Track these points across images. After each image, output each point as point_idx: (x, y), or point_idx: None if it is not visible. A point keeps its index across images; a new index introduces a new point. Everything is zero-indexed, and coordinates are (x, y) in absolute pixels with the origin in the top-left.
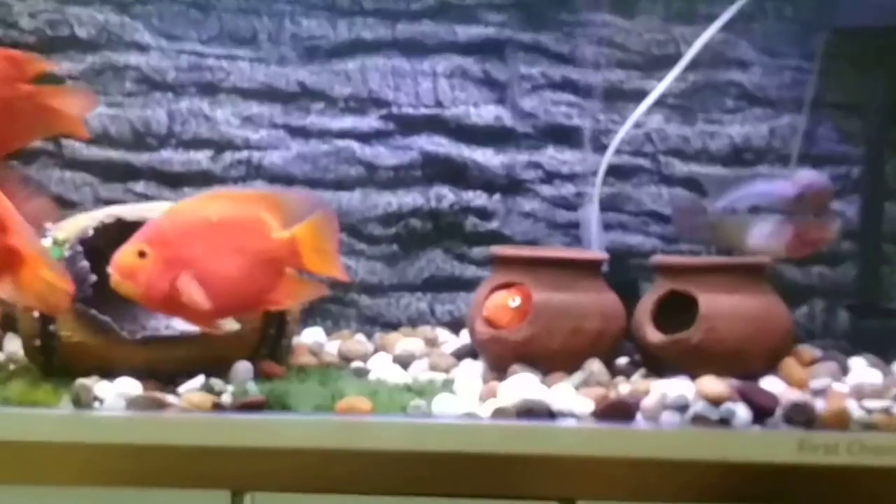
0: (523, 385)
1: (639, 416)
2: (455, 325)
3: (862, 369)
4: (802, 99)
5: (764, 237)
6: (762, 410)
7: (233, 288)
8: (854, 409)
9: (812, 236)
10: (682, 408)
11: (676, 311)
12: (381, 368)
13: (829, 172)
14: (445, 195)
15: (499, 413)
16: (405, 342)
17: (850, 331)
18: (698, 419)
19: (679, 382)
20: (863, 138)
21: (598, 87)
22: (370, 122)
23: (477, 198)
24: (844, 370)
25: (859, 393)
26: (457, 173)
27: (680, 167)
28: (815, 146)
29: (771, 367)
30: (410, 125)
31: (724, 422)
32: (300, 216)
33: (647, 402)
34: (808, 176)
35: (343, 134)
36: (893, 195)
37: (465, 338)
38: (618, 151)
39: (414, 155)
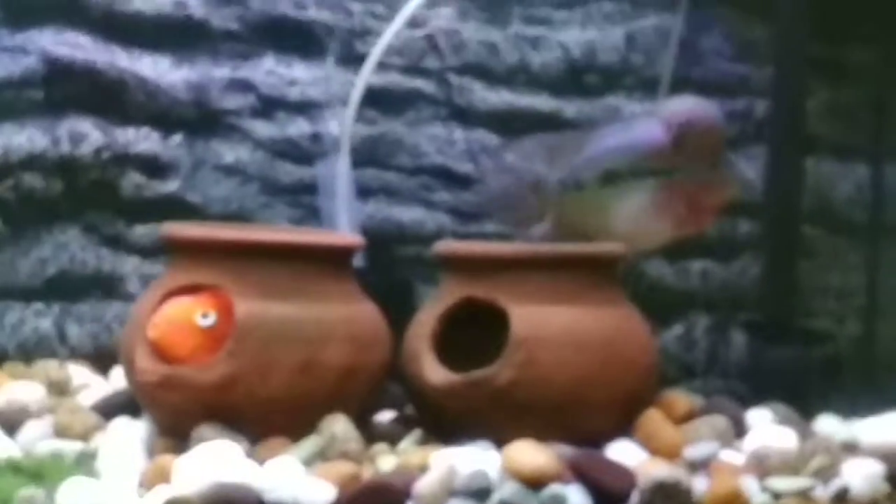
0: (216, 460)
1: None
2: (102, 359)
3: (766, 428)
4: None
5: (634, 214)
6: (609, 496)
7: None
8: (753, 491)
9: (707, 199)
10: (480, 493)
11: (475, 333)
12: None
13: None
14: (87, 134)
15: None
16: (11, 387)
17: (749, 365)
18: None
19: (477, 451)
20: (772, 54)
21: None
22: None
23: (143, 139)
24: (740, 429)
25: (762, 466)
26: (108, 96)
27: (484, 95)
28: (696, 64)
29: (624, 424)
30: (23, 9)
31: None
32: None
33: (424, 485)
34: (684, 106)
35: None
36: (819, 146)
37: (118, 380)
38: (381, 66)
39: (30, 62)
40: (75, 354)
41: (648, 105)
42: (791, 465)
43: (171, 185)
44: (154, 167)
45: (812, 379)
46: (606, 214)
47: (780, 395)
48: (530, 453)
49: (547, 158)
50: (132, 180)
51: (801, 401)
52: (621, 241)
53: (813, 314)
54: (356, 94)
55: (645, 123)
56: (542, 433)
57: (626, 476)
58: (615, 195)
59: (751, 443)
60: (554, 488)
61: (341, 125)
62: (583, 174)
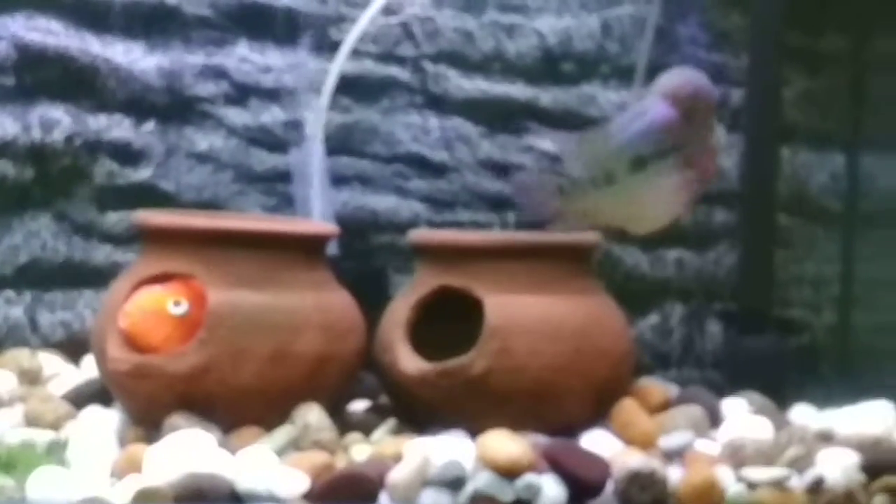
0: (188, 449)
1: (383, 497)
2: (73, 348)
3: (742, 417)
4: None
5: (665, 194)
6: (583, 485)
7: None
8: (728, 481)
9: (711, 164)
10: (454, 483)
11: (449, 321)
12: None
13: None
14: (58, 120)
15: (145, 498)
16: None
17: (724, 354)
18: (480, 501)
19: (451, 440)
20: (747, 42)
21: None
22: None
23: (115, 126)
24: (715, 419)
25: (737, 456)
26: (80, 83)
27: (459, 83)
28: (672, 53)
29: (599, 413)
30: None
31: None
32: None
33: (398, 474)
34: (685, 79)
35: None
36: (795, 135)
37: (90, 368)
38: (356, 54)
39: (1, 47)
40: (47, 343)
41: (625, 92)
42: (766, 455)
43: (143, 173)
44: (126, 154)
45: (787, 368)
46: (642, 201)
47: (756, 385)
48: (505, 443)
49: (571, 156)
50: (104, 167)
51: (777, 390)
52: (654, 224)
53: (788, 303)
54: (330, 82)
55: (651, 103)
56: (517, 422)
57: (600, 466)
58: (646, 180)
59: (726, 432)
60: (528, 478)
61: (315, 113)
62: (612, 166)
